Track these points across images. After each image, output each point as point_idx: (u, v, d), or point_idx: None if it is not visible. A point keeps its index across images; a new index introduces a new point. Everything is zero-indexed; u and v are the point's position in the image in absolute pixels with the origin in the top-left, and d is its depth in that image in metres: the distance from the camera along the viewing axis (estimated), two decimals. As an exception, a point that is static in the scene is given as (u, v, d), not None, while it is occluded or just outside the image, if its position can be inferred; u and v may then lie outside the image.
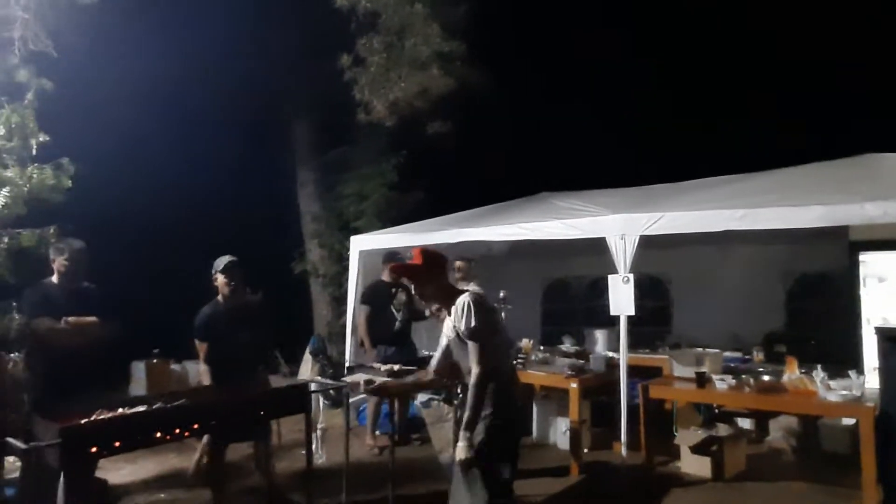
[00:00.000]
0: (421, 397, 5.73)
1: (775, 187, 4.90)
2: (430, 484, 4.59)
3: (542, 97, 9.74)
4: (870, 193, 3.95)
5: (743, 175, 5.70)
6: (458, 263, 5.76)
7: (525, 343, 5.90)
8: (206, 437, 4.74)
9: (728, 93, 9.75)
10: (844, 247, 5.13)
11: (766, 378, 4.38)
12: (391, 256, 5.56)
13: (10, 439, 2.67)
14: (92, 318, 3.79)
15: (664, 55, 9.77)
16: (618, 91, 9.89)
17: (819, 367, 4.17)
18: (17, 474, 3.92)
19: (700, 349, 5.18)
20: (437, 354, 3.09)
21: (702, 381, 4.48)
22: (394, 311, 5.54)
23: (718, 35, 9.69)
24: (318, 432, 5.28)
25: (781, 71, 9.32)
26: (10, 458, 3.98)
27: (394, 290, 5.58)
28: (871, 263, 4.97)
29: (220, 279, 3.92)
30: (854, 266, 5.01)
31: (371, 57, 6.72)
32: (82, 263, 3.94)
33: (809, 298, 6.41)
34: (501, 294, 5.77)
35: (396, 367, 3.95)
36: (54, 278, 3.93)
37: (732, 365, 5.08)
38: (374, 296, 5.69)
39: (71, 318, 3.72)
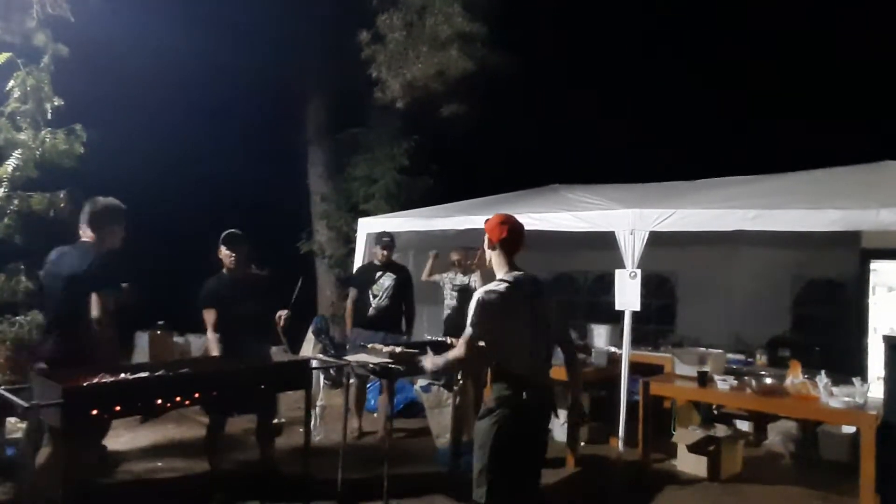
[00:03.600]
0: (420, 382, 5.75)
1: (790, 189, 4.85)
2: (424, 467, 4.63)
3: (562, 86, 9.62)
4: (886, 200, 3.90)
5: (758, 176, 5.65)
6: (454, 254, 5.78)
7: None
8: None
9: (755, 92, 9.61)
10: (856, 254, 5.08)
11: (768, 381, 4.36)
12: (382, 238, 5.38)
13: (12, 397, 2.69)
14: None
15: (690, 50, 9.63)
16: (640, 85, 9.77)
17: (823, 372, 4.14)
18: (18, 434, 3.96)
19: (703, 349, 5.15)
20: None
21: (703, 380, 4.47)
22: (370, 295, 5.30)
23: (747, 32, 9.54)
24: (317, 410, 5.31)
25: (810, 71, 9.14)
26: (12, 420, 4.01)
27: (378, 273, 5.33)
28: (882, 272, 4.93)
29: (223, 251, 3.93)
30: (864, 274, 4.97)
31: (391, 34, 6.66)
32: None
33: (817, 304, 6.35)
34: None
35: (399, 349, 3.94)
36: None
37: (735, 367, 5.06)
38: (359, 278, 5.53)
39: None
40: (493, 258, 2.91)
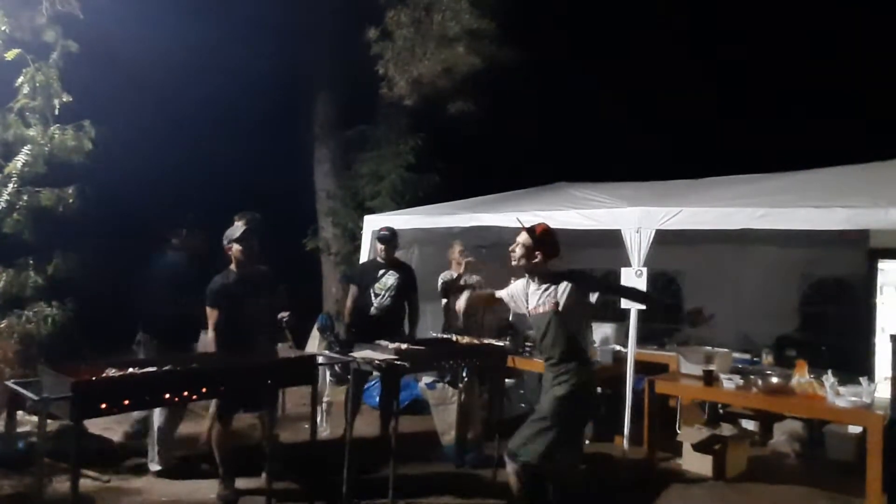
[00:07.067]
0: (426, 379, 5.74)
1: (799, 187, 4.83)
2: (430, 464, 4.64)
3: (569, 84, 9.60)
4: (895, 199, 3.87)
5: (766, 174, 5.62)
6: (458, 248, 5.72)
7: (533, 332, 5.89)
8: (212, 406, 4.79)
9: (763, 90, 9.56)
10: (863, 253, 5.06)
11: (774, 380, 4.35)
12: (381, 233, 5.18)
13: (22, 390, 2.72)
14: None
15: (699, 48, 9.58)
16: (647, 83, 9.74)
17: (829, 372, 4.13)
18: (28, 427, 3.99)
19: (709, 348, 5.14)
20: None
21: (709, 378, 4.46)
22: (372, 294, 5.08)
23: (754, 30, 9.50)
24: (324, 405, 5.32)
25: (818, 68, 9.06)
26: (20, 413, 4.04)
27: (381, 272, 5.10)
28: (890, 272, 4.90)
29: (236, 248, 3.92)
30: (872, 273, 4.95)
31: (398, 30, 6.65)
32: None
33: (824, 304, 6.32)
34: (513, 281, 5.74)
35: (405, 346, 3.95)
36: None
37: (741, 366, 5.05)
38: (361, 276, 5.30)
39: None
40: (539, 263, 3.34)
